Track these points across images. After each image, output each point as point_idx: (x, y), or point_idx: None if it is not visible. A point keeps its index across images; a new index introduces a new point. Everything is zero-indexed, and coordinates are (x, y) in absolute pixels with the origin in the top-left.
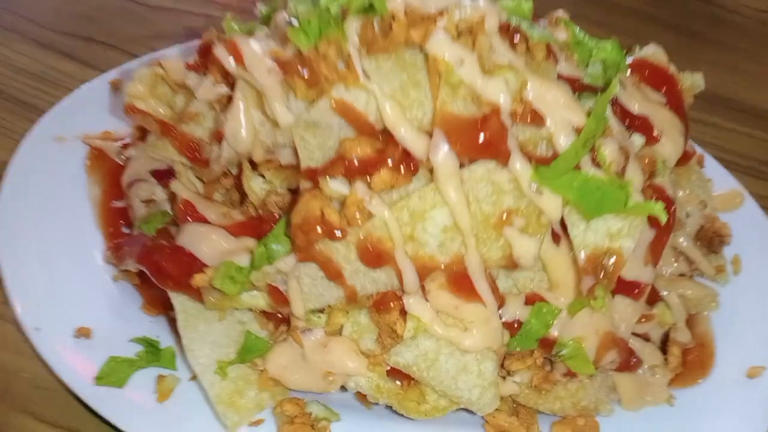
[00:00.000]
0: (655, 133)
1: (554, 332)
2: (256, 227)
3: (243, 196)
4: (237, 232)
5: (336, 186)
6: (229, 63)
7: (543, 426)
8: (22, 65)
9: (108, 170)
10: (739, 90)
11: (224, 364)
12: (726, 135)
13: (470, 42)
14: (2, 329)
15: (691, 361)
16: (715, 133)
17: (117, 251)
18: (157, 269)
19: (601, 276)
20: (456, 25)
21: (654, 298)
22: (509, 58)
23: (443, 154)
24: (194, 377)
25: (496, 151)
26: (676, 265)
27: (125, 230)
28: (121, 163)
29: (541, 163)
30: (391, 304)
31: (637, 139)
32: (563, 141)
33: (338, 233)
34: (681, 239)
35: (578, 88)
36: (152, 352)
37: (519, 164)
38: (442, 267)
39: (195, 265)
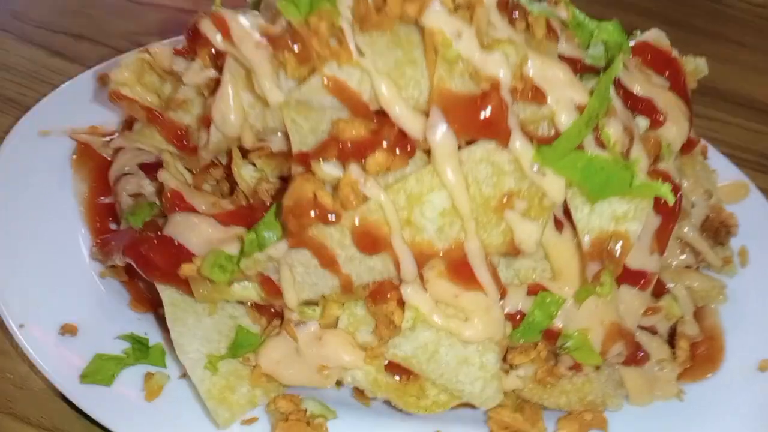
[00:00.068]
0: (659, 117)
1: (558, 323)
2: (247, 216)
3: (233, 186)
4: (227, 221)
5: (329, 169)
6: (216, 39)
7: (549, 424)
8: (11, 62)
9: (94, 166)
10: (738, 82)
11: (215, 359)
12: (725, 127)
13: (468, 16)
14: None
15: (700, 355)
16: (715, 126)
17: (104, 247)
18: (144, 260)
19: (607, 261)
20: None
21: (660, 291)
22: (508, 33)
23: (441, 133)
24: (184, 375)
25: (496, 129)
26: (683, 257)
27: (112, 227)
28: (107, 158)
29: (542, 143)
30: (388, 294)
31: (642, 122)
32: (565, 119)
33: (332, 217)
34: (686, 229)
35: (580, 69)
36: (140, 349)
37: (520, 144)
38: (441, 254)
39: (183, 255)
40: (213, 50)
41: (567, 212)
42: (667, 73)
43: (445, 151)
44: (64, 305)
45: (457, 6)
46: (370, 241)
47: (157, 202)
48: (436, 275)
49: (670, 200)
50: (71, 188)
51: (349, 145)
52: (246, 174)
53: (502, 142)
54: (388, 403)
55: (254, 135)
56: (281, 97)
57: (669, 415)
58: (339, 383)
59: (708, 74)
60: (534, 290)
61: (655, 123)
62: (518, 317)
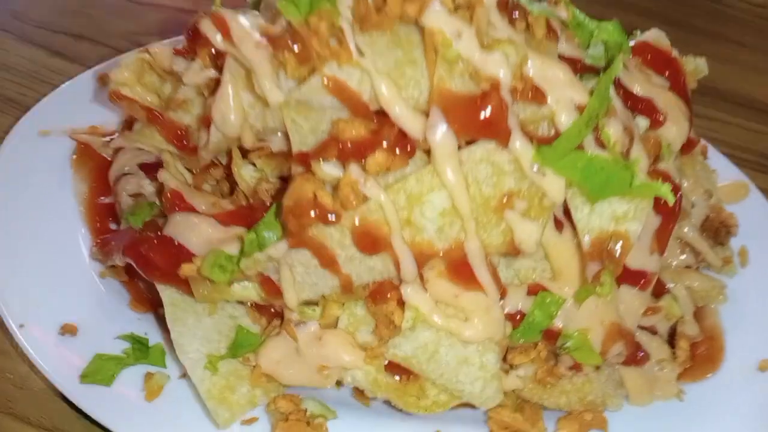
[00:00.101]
0: (659, 117)
1: (558, 323)
2: (247, 216)
3: (233, 186)
4: (227, 221)
5: (329, 169)
6: (216, 39)
7: (549, 424)
8: (11, 62)
9: (94, 166)
10: (738, 82)
11: (215, 358)
12: (725, 127)
13: (468, 16)
14: None
15: (700, 355)
16: (715, 126)
17: (104, 247)
18: (144, 260)
19: (607, 261)
20: None
21: (660, 291)
22: (508, 33)
23: (441, 133)
24: (184, 375)
25: (496, 129)
26: (683, 257)
27: (112, 227)
28: (107, 158)
29: (542, 143)
30: (388, 294)
31: (642, 122)
32: (565, 119)
33: (332, 217)
34: (686, 229)
35: (580, 69)
36: (140, 349)
37: (520, 144)
38: (441, 254)
39: (183, 255)
40: (213, 50)
41: (567, 212)
42: (667, 73)
43: (445, 151)
44: (64, 305)
45: (457, 6)
46: (370, 241)
47: (157, 202)
48: (436, 275)
49: (670, 200)
50: (71, 188)
51: (349, 145)
52: (246, 174)
53: (502, 142)
54: (388, 403)
55: (254, 135)
56: (281, 97)
57: (669, 415)
58: (339, 383)
59: (708, 74)
60: (534, 290)
61: (655, 123)
62: (518, 317)
